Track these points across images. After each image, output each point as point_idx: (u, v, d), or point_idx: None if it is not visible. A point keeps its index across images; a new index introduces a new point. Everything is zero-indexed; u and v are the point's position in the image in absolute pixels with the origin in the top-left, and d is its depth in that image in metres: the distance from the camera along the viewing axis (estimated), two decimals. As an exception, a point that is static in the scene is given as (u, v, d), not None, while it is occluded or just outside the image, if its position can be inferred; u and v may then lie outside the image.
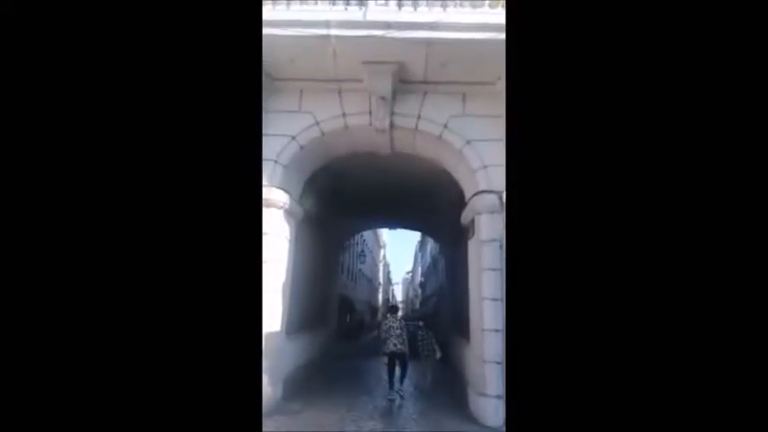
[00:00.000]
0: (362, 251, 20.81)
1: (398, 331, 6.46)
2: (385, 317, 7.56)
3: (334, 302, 13.22)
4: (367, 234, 24.17)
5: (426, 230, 15.07)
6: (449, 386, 6.89)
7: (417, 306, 34.61)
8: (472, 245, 5.38)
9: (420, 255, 35.50)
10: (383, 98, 5.10)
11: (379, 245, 37.12)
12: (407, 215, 11.29)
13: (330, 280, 11.95)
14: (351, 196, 9.46)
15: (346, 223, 11.98)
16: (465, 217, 5.66)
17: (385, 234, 39.32)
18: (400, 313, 7.48)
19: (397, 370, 6.46)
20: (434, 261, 20.70)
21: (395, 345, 6.35)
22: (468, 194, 5.53)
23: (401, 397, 6.14)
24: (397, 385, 6.30)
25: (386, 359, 6.52)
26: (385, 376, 7.23)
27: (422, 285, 32.55)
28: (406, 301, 48.84)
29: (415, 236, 38.07)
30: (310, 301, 8.82)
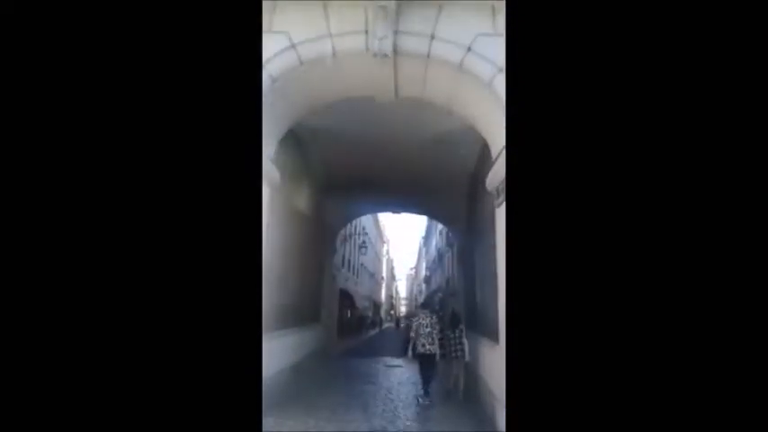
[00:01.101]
0: (364, 242, 19.51)
1: (428, 329, 5.65)
2: (377, 314, 6.99)
3: (331, 296, 11.93)
4: (369, 227, 22.97)
5: (435, 214, 13.68)
6: (469, 394, 5.66)
7: (421, 302, 33.54)
8: (502, 214, 4.01)
9: (424, 249, 34.37)
10: (383, 8, 3.72)
11: (382, 239, 36.12)
12: (413, 193, 9.88)
13: (325, 271, 10.61)
14: (345, 165, 8.09)
15: (342, 202, 10.61)
16: (493, 178, 4.29)
17: (388, 230, 38.45)
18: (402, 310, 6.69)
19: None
20: (440, 255, 19.63)
21: (423, 345, 5.63)
22: (497, 148, 4.16)
23: (426, 407, 5.28)
24: (421, 398, 5.52)
25: (393, 362, 5.99)
26: (385, 383, 6.97)
27: (426, 280, 31.56)
28: (410, 297, 48.07)
29: (420, 231, 37.24)
30: (297, 293, 7.48)
